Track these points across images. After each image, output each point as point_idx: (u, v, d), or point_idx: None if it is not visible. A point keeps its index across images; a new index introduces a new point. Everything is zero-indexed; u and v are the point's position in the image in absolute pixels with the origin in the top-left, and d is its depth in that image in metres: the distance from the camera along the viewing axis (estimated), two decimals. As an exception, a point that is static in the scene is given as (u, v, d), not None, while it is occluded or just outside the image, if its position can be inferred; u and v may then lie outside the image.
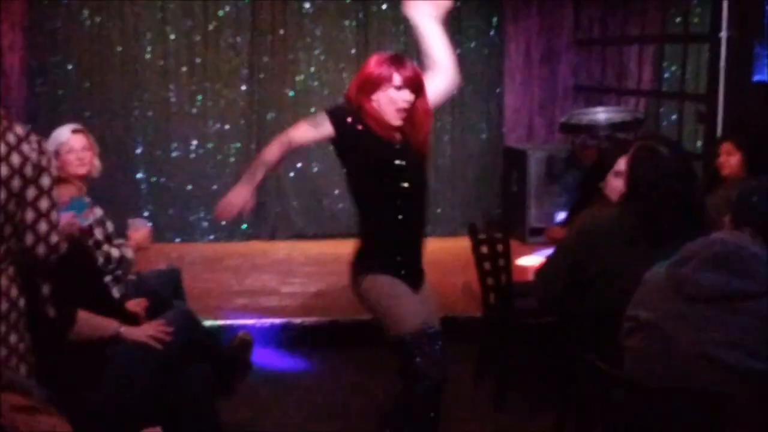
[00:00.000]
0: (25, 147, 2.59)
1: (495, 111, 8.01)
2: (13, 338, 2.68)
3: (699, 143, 6.53)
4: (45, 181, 2.63)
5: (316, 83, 7.69)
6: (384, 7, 7.72)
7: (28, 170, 2.58)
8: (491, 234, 4.56)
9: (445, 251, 7.17)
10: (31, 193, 2.59)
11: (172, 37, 7.48)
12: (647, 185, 3.00)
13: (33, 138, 2.63)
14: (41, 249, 2.63)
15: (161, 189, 7.59)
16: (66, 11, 7.32)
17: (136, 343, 3.28)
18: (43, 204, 2.61)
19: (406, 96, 3.29)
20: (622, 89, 7.55)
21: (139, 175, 7.55)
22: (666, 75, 7.24)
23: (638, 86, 7.41)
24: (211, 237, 7.67)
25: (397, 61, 3.34)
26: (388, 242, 3.38)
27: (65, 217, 3.44)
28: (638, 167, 3.05)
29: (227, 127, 7.63)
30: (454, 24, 7.77)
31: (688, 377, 2.46)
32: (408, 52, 7.76)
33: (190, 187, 7.62)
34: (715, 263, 2.50)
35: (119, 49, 7.43)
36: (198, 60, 7.53)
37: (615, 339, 2.67)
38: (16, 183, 2.57)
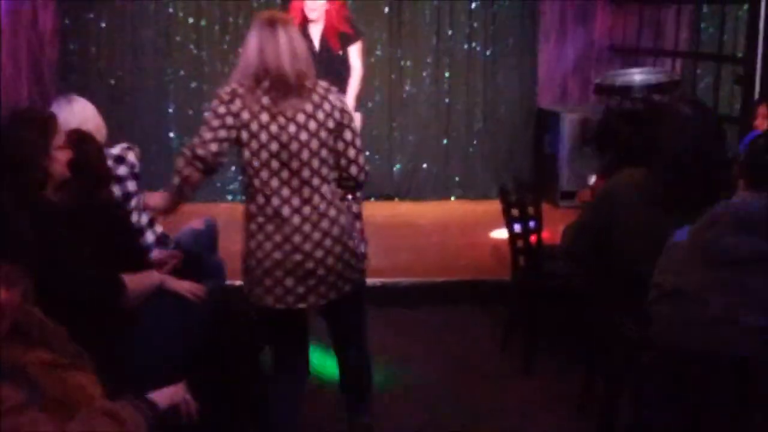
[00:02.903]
0: (331, 97, 3.19)
1: (528, 72, 7.91)
2: (351, 243, 3.28)
3: (737, 106, 6.43)
4: (355, 124, 3.28)
5: (347, 42, 7.62)
6: (417, -35, 7.62)
7: (337, 115, 3.18)
8: (522, 196, 4.53)
9: (476, 214, 7.16)
10: (348, 134, 3.21)
11: (204, -5, 7.47)
12: (669, 145, 2.97)
13: (334, 89, 3.25)
14: (362, 176, 3.30)
15: (193, 148, 7.59)
16: (98, -31, 7.32)
17: (176, 293, 3.28)
18: (358, 142, 3.26)
19: None
20: (658, 50, 7.43)
21: (171, 134, 7.57)
22: (703, 36, 7.11)
23: (675, 47, 7.29)
24: (242, 197, 7.67)
25: None
26: None
27: None
28: (660, 128, 3.02)
29: (259, 86, 7.60)
30: (488, -17, 7.68)
31: (716, 342, 2.44)
32: (441, 8, 7.69)
33: (221, 146, 7.62)
34: (740, 227, 2.47)
35: (151, 7, 7.42)
36: (230, 18, 7.50)
37: (641, 302, 2.65)
38: (330, 124, 3.17)
